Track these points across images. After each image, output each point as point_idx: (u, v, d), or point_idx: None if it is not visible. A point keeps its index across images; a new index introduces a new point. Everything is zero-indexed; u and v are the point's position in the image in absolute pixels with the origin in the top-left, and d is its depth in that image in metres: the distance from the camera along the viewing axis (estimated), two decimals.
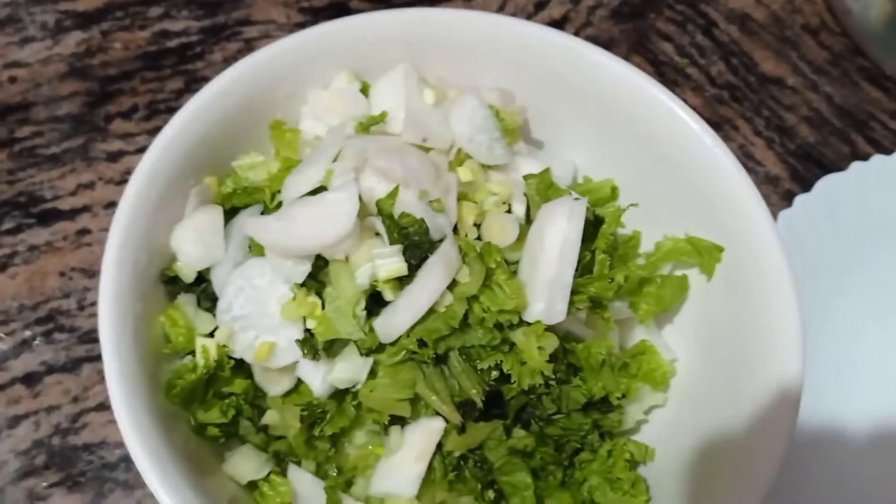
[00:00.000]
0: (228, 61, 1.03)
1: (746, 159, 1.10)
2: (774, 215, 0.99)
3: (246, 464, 0.70)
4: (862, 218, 1.00)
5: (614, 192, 0.86)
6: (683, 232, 0.81)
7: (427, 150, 0.74)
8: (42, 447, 0.83)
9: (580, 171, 0.89)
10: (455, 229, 0.71)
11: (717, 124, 1.11)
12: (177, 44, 1.05)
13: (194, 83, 1.02)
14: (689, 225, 0.80)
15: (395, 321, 0.66)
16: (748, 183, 0.76)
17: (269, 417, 0.70)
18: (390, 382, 0.67)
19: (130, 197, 0.69)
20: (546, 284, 0.68)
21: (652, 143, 0.81)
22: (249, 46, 1.05)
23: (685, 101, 1.10)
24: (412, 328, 0.66)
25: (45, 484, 0.81)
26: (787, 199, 1.05)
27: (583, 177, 0.89)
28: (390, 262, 0.66)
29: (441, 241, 0.67)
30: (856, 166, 1.01)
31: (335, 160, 0.71)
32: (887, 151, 1.06)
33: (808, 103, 1.15)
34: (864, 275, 0.99)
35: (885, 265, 1.00)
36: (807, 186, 1.02)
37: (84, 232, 0.93)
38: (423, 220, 0.67)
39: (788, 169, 1.10)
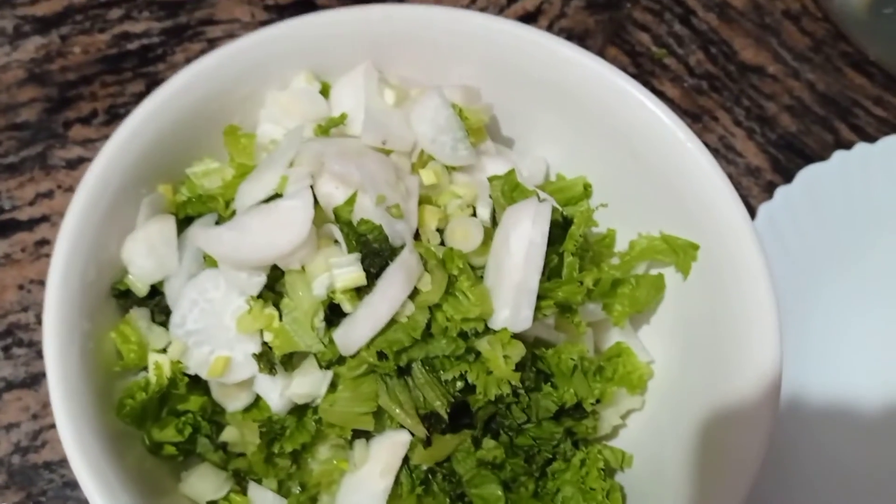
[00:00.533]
0: (191, 62, 1.00)
1: (727, 150, 1.07)
2: (756, 207, 0.97)
3: (204, 483, 0.67)
4: (845, 208, 0.98)
5: (587, 189, 0.83)
6: (659, 230, 0.78)
7: (388, 152, 0.72)
8: (1, 466, 0.80)
9: (553, 169, 0.87)
10: (417, 235, 0.68)
11: (696, 115, 1.09)
12: (138, 46, 1.02)
13: (156, 86, 0.97)
14: (664, 222, 0.78)
15: (355, 332, 0.63)
16: (722, 178, 0.74)
17: (228, 434, 0.68)
18: (351, 396, 0.65)
19: (78, 207, 0.66)
20: (512, 290, 0.65)
21: (624, 138, 0.79)
22: (213, 46, 1.01)
23: (663, 92, 1.08)
24: (373, 339, 0.63)
25: None
26: (769, 190, 1.03)
27: (556, 174, 0.86)
28: (348, 271, 0.63)
29: (401, 248, 0.65)
30: (838, 155, 0.99)
31: (291, 165, 0.68)
32: (871, 139, 1.03)
33: (789, 91, 1.12)
34: (848, 266, 0.96)
35: (868, 255, 0.97)
36: (789, 177, 0.99)
37: (43, 243, 0.90)
38: (381, 227, 0.64)
39: (770, 160, 1.07)
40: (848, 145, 1.01)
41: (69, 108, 0.98)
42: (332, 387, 0.65)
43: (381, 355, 0.63)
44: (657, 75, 1.11)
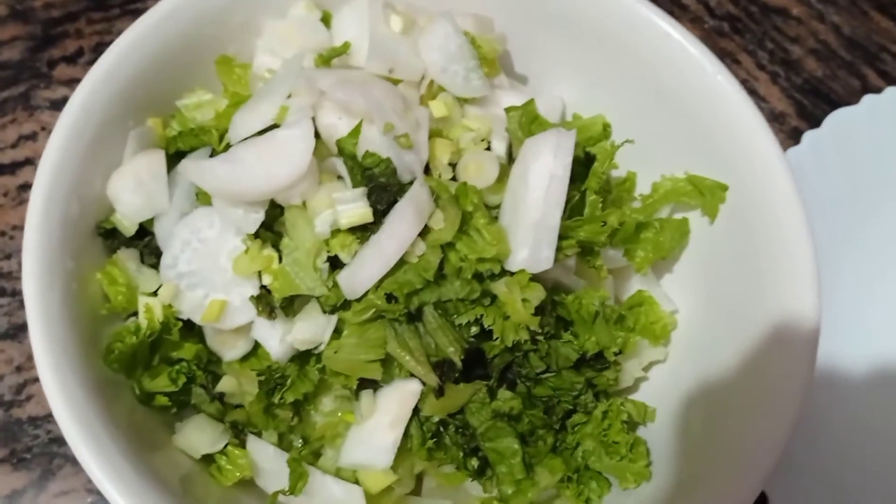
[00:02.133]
0: None
1: (750, 95, 1.00)
2: None
3: (199, 435, 0.63)
4: (875, 154, 0.93)
5: (606, 129, 0.78)
6: (683, 171, 0.73)
7: (395, 82, 0.66)
8: None
9: (569, 109, 0.81)
10: (427, 169, 0.63)
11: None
12: None
13: None
14: (690, 162, 0.73)
15: (361, 274, 0.58)
16: (753, 111, 0.69)
17: (225, 384, 0.63)
18: (357, 342, 0.60)
19: (58, 140, 0.61)
20: (530, 228, 0.60)
21: (646, 72, 0.74)
22: None
23: None
24: (380, 281, 0.58)
25: None
26: (795, 137, 0.98)
27: (572, 114, 0.81)
28: (353, 207, 0.58)
29: (410, 182, 0.60)
30: (867, 100, 0.94)
31: (290, 96, 0.62)
32: None
33: (814, 35, 1.06)
34: (878, 214, 0.91)
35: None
36: (815, 123, 0.94)
37: (26, 187, 0.85)
38: (389, 160, 0.59)
39: (795, 105, 1.02)
40: (876, 90, 0.96)
41: (53, 47, 0.92)
42: (337, 333, 0.61)
43: (390, 298, 0.58)
44: (676, 16, 1.03)
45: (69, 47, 0.92)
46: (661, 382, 0.74)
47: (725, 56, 1.04)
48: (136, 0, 0.95)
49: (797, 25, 1.07)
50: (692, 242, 0.75)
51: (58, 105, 0.89)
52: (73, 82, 0.90)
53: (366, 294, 0.59)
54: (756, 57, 1.04)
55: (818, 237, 0.87)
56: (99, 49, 0.92)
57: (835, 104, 1.01)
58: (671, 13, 1.04)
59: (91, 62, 0.90)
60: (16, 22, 0.94)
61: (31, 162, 0.86)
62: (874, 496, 0.79)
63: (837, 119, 0.93)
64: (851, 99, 0.98)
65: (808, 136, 0.91)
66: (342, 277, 0.59)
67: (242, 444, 0.64)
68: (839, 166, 0.91)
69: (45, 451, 0.75)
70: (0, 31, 0.93)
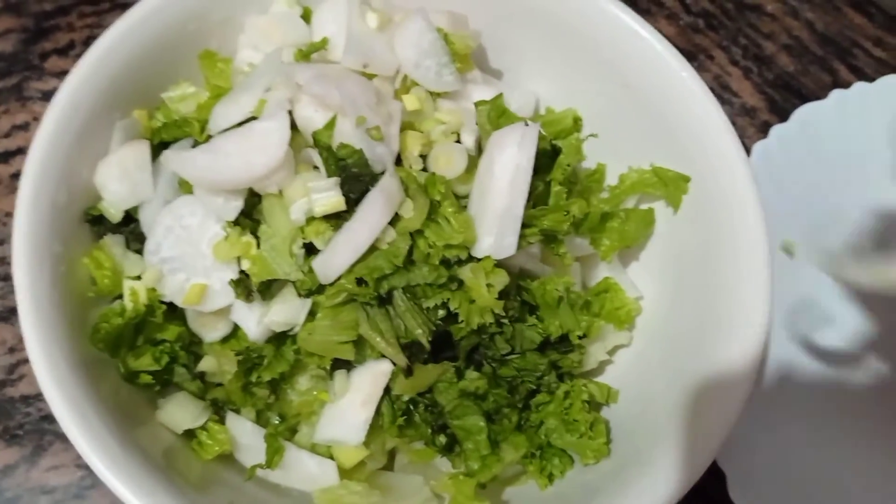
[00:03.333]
0: None
1: (722, 90, 1.05)
2: (750, 147, 0.95)
3: (181, 412, 0.66)
4: (841, 148, 0.95)
5: (577, 122, 0.81)
6: (650, 163, 0.76)
7: (371, 76, 0.69)
8: None
9: (542, 103, 0.84)
10: (399, 160, 0.66)
11: (691, 54, 1.06)
12: None
13: None
14: (656, 156, 0.76)
15: (334, 260, 0.62)
16: (716, 108, 0.72)
17: (206, 364, 0.66)
18: (331, 325, 0.63)
19: (47, 130, 0.64)
20: (496, 217, 0.63)
21: (616, 68, 0.77)
22: None
23: (658, 30, 1.05)
24: (352, 267, 0.62)
25: None
26: (765, 131, 1.00)
27: (545, 108, 0.84)
28: (327, 196, 0.61)
29: (382, 173, 0.63)
30: (835, 94, 0.96)
31: (268, 90, 0.65)
32: (870, 80, 1.01)
33: (787, 31, 1.09)
34: (843, 206, 0.94)
35: (863, 197, 0.95)
36: (785, 118, 0.97)
37: (18, 176, 0.86)
38: (361, 152, 0.62)
39: (766, 100, 1.05)
40: (846, 86, 0.98)
41: (46, 39, 0.95)
42: (311, 315, 0.64)
43: (361, 282, 0.62)
44: (652, 13, 1.08)
45: (61, 40, 0.95)
46: (625, 366, 0.77)
47: (700, 52, 1.06)
48: None
49: (771, 21, 1.09)
50: (657, 232, 0.79)
51: (49, 96, 0.89)
52: (64, 74, 0.91)
53: (339, 279, 0.62)
54: (730, 53, 1.07)
55: (784, 228, 0.92)
56: (90, 42, 0.92)
57: (806, 99, 1.03)
58: (648, 11, 1.08)
59: (81, 54, 0.94)
60: (9, 15, 0.96)
61: (23, 151, 0.89)
62: (829, 471, 0.83)
63: (805, 113, 0.95)
64: (822, 94, 1.00)
65: (776, 130, 0.94)
66: (317, 263, 0.62)
67: (222, 421, 0.67)
68: (805, 159, 0.94)
69: (36, 428, 0.78)
70: None
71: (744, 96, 1.05)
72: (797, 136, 0.94)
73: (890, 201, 0.95)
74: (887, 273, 0.92)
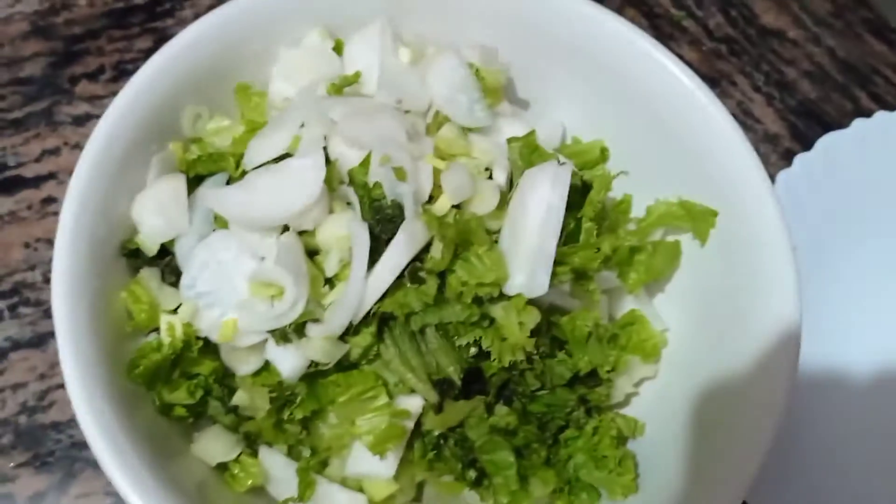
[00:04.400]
0: (200, 17, 0.97)
1: (745, 116, 1.05)
2: (774, 175, 0.95)
3: (215, 445, 0.66)
4: (864, 177, 0.96)
5: (604, 153, 0.82)
6: (676, 195, 0.77)
7: (403, 112, 0.70)
8: (8, 426, 0.80)
9: (569, 132, 0.85)
10: (432, 198, 0.67)
11: (714, 80, 1.07)
12: (145, 0, 0.99)
13: (164, 42, 0.95)
14: (682, 187, 0.76)
15: (349, 302, 0.62)
16: (744, 142, 0.72)
17: (239, 398, 0.67)
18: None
19: (86, 163, 0.65)
20: (528, 255, 0.64)
21: (643, 100, 0.77)
22: (223, 1, 0.99)
23: (681, 55, 1.05)
24: (382, 301, 0.62)
25: (11, 464, 0.78)
26: (787, 158, 1.01)
27: (572, 137, 0.85)
28: None
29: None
30: (857, 123, 0.97)
31: (303, 125, 0.66)
32: (891, 107, 1.02)
33: (809, 57, 1.09)
34: (866, 236, 0.95)
35: (887, 225, 0.96)
36: (807, 145, 0.98)
37: (49, 200, 0.89)
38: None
39: (788, 127, 1.05)
40: (867, 113, 0.99)
41: (75, 63, 0.96)
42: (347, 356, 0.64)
43: (392, 317, 0.62)
44: (675, 38, 1.09)
45: (90, 64, 0.96)
46: (651, 398, 0.78)
47: (722, 77, 1.07)
48: (156, 19, 0.99)
49: (793, 48, 1.10)
50: (684, 264, 0.79)
51: (80, 121, 0.93)
52: (94, 99, 0.94)
53: (371, 316, 0.63)
54: (752, 79, 1.07)
55: (807, 255, 0.92)
56: (119, 66, 0.96)
57: (827, 126, 1.04)
58: (671, 35, 1.09)
59: (112, 79, 0.95)
60: (38, 38, 0.97)
61: (54, 176, 0.90)
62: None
63: (827, 142, 0.96)
64: (843, 121, 1.02)
65: (799, 159, 0.95)
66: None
67: (255, 454, 0.68)
68: (829, 189, 0.95)
69: (66, 455, 0.79)
70: (23, 47, 0.96)
71: (766, 123, 1.05)
72: (820, 164, 0.95)
73: None
74: None
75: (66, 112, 0.93)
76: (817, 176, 0.95)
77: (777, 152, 1.04)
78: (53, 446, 0.79)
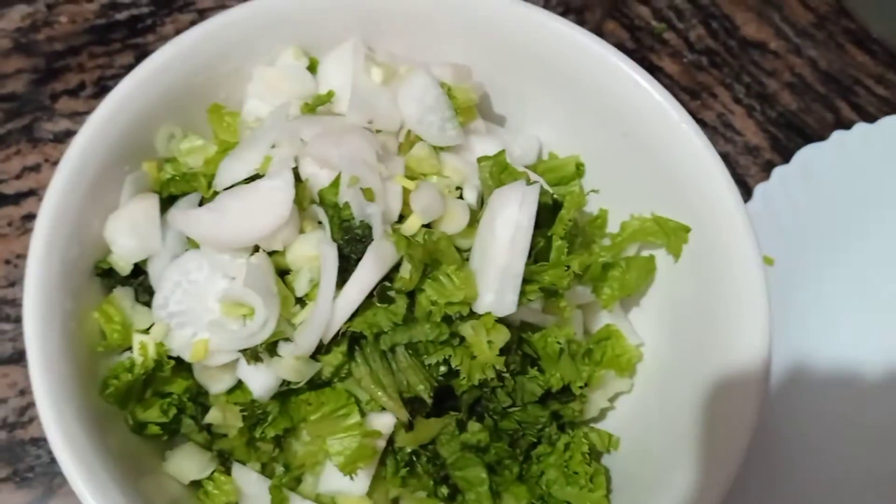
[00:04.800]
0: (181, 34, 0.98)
1: (725, 128, 1.06)
2: (753, 187, 0.96)
3: (188, 462, 0.67)
4: (843, 189, 0.96)
5: (580, 168, 0.82)
6: (651, 211, 0.77)
7: (376, 131, 0.70)
8: None
9: (546, 147, 0.85)
10: (402, 218, 0.67)
11: (694, 92, 1.07)
12: (126, 16, 1.00)
13: (145, 57, 0.97)
14: (656, 204, 0.77)
15: (319, 320, 0.62)
16: (716, 160, 0.73)
17: (212, 416, 0.67)
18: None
19: (59, 183, 0.65)
20: (496, 274, 0.64)
21: (617, 116, 0.78)
22: (203, 17, 0.99)
23: (662, 68, 1.07)
24: (351, 321, 0.63)
25: None
26: (767, 169, 1.01)
27: (548, 153, 0.85)
28: None
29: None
30: (836, 136, 0.97)
31: (274, 146, 0.67)
32: (872, 118, 1.02)
33: (790, 68, 1.10)
34: (844, 248, 0.95)
35: (866, 236, 0.96)
36: (788, 156, 0.98)
37: (30, 217, 0.89)
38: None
39: (769, 138, 1.06)
40: (848, 124, 0.99)
41: (56, 80, 0.96)
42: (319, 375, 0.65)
43: (361, 337, 0.63)
44: (656, 50, 1.09)
45: (71, 80, 0.96)
46: (625, 412, 0.78)
47: (703, 89, 1.07)
48: (137, 35, 0.99)
49: (774, 59, 1.10)
50: (657, 279, 0.79)
51: (60, 137, 0.93)
52: (75, 115, 0.95)
53: (341, 335, 0.64)
54: (733, 90, 1.08)
55: (787, 267, 0.93)
56: (100, 83, 0.96)
57: (808, 138, 1.04)
58: (651, 48, 1.09)
59: (93, 95, 0.96)
60: (20, 54, 0.98)
61: (34, 193, 0.91)
62: None
63: (806, 154, 0.96)
64: (824, 132, 1.02)
65: (778, 172, 0.95)
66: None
67: (228, 471, 0.68)
68: (808, 201, 0.95)
69: (46, 471, 0.80)
70: (4, 64, 0.97)
71: (747, 135, 1.05)
72: (798, 177, 0.95)
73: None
74: None
75: (47, 129, 0.94)
76: (796, 188, 0.95)
77: (757, 164, 1.04)
78: (33, 462, 0.80)
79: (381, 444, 0.66)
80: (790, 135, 1.06)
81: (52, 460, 0.79)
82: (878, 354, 0.93)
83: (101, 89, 0.96)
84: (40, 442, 0.81)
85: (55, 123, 0.94)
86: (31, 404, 0.82)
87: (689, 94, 1.07)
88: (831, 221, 0.95)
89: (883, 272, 0.95)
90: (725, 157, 0.73)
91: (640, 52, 1.08)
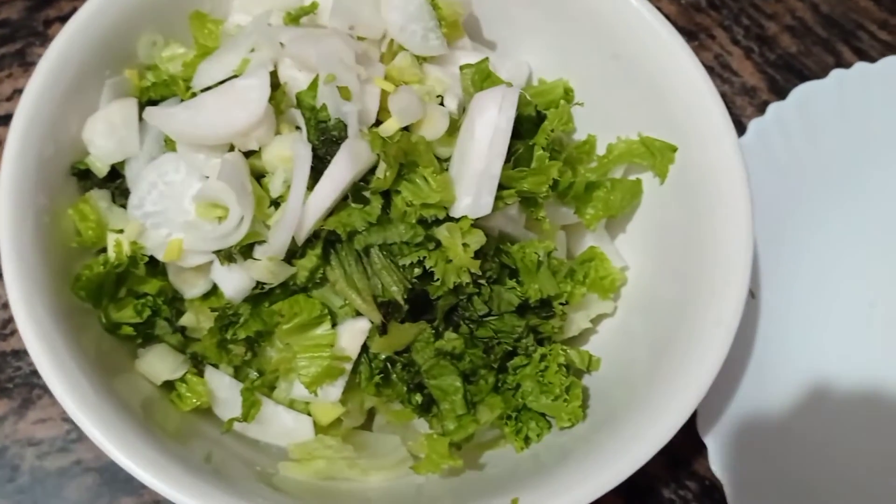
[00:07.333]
0: None
1: (722, 69, 1.04)
2: (747, 124, 0.94)
3: (160, 363, 0.67)
4: (840, 128, 0.94)
5: (568, 93, 0.81)
6: (638, 134, 0.76)
7: (360, 40, 0.70)
8: None
9: (536, 74, 0.84)
10: (380, 122, 0.66)
11: (692, 33, 1.05)
12: None
13: None
14: (646, 127, 0.76)
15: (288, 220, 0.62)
16: (705, 79, 0.72)
17: (186, 319, 0.67)
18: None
19: (36, 83, 0.65)
20: (474, 177, 0.64)
21: (607, 38, 0.77)
22: None
23: (659, 8, 1.04)
24: (325, 220, 0.62)
25: None
26: (764, 110, 0.99)
27: (538, 80, 0.84)
28: None
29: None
30: (835, 73, 0.95)
31: (253, 50, 0.66)
32: (873, 62, 1.00)
33: (791, 12, 1.08)
34: (840, 186, 0.93)
35: (862, 176, 0.94)
36: (786, 98, 0.96)
37: None
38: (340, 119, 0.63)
39: (767, 80, 1.04)
40: (849, 68, 0.97)
41: (49, 7, 0.96)
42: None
43: (334, 236, 0.62)
44: None
45: (64, 7, 0.96)
46: (608, 335, 0.78)
47: (701, 31, 1.06)
48: None
49: (775, 2, 1.08)
50: (644, 204, 0.79)
51: None
52: None
53: (315, 238, 0.63)
54: (731, 32, 1.06)
55: (779, 205, 0.91)
56: None
57: (807, 80, 1.02)
58: None
59: None
60: None
61: None
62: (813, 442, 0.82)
63: (804, 91, 0.94)
64: (824, 75, 1.00)
65: (773, 107, 0.93)
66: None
67: (202, 374, 0.68)
68: (803, 138, 0.93)
69: (25, 382, 0.80)
70: None
71: (744, 76, 1.04)
72: (794, 114, 0.94)
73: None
74: None
75: (39, 53, 0.94)
76: (791, 125, 0.93)
77: (753, 105, 1.02)
78: (13, 373, 0.80)
79: (348, 367, 0.66)
80: (789, 76, 1.04)
81: (32, 372, 0.80)
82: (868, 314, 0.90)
83: None
84: (21, 354, 0.81)
85: (46, 48, 0.94)
86: (13, 318, 0.82)
87: (685, 35, 1.03)
88: (827, 159, 0.93)
89: (880, 210, 0.93)
90: (721, 97, 0.72)
91: None
